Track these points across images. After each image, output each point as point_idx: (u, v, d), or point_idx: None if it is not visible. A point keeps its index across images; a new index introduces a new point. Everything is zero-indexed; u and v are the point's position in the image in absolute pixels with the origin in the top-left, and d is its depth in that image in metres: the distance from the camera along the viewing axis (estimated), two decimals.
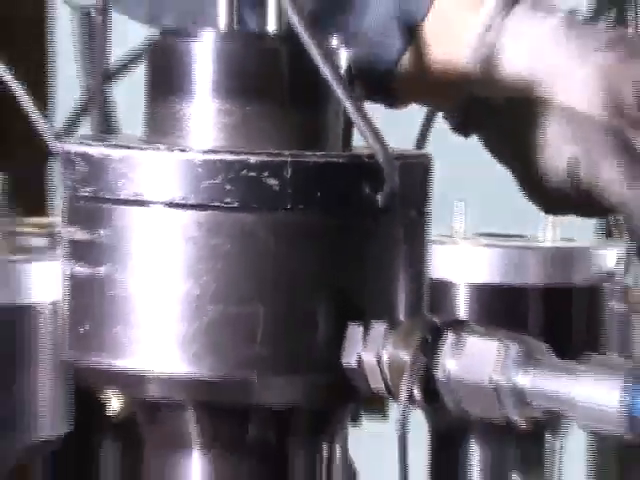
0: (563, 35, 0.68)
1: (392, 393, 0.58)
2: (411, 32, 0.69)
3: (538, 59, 0.69)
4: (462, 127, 0.72)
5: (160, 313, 0.54)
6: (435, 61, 0.70)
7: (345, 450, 0.67)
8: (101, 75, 0.79)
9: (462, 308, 0.91)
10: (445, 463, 1.07)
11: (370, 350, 0.56)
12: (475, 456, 0.97)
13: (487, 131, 0.72)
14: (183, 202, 0.54)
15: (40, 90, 1.48)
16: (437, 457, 1.05)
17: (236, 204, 0.53)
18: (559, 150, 0.68)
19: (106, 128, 0.75)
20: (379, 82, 0.70)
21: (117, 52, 0.91)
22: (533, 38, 0.69)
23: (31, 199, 1.13)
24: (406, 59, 0.70)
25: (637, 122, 0.67)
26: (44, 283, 0.70)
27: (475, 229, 0.95)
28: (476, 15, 0.69)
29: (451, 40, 0.69)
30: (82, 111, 0.83)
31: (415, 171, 0.61)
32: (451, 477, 1.06)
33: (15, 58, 0.91)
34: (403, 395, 0.56)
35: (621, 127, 0.67)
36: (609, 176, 0.66)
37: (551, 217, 0.88)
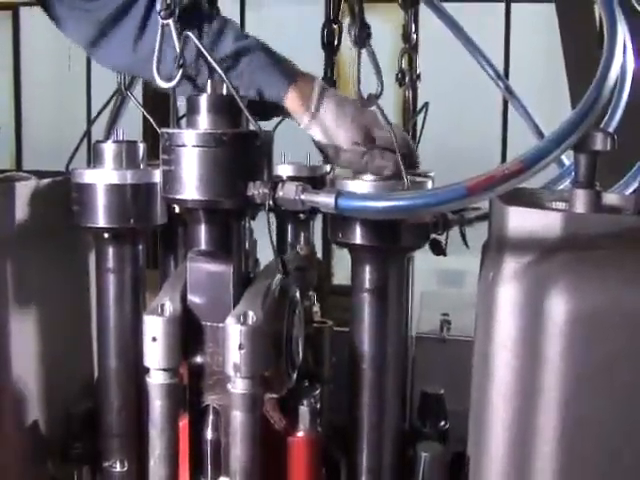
0: (337, 112, 1.70)
1: None
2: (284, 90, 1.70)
3: (329, 122, 1.70)
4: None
5: None
6: (293, 107, 1.71)
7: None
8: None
9: None
10: None
11: None
12: None
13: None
14: None
15: None
16: None
17: None
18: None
19: None
20: (275, 104, 1.71)
21: None
22: (329, 110, 1.70)
23: None
24: (285, 99, 1.70)
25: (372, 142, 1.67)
26: None
27: None
28: (310, 99, 1.69)
29: (302, 105, 1.70)
30: None
31: None
32: None
33: None
34: None
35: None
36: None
37: None
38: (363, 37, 1.61)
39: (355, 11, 1.60)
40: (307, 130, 1.72)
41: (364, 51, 1.63)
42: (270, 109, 1.73)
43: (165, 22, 1.52)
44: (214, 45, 1.69)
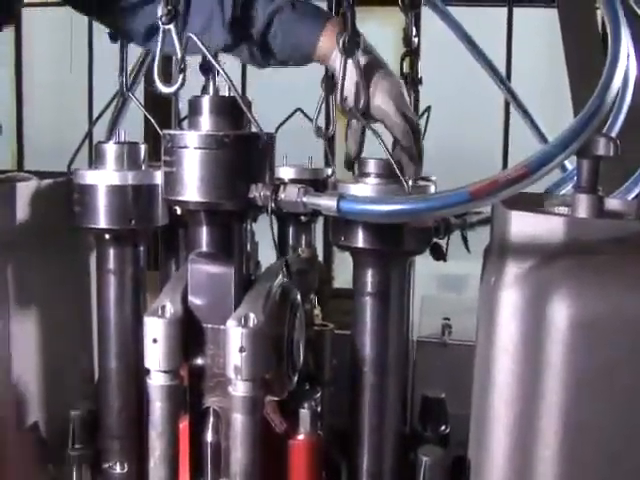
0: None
1: None
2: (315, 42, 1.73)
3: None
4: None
5: None
6: (321, 55, 1.73)
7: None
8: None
9: None
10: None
11: None
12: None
13: None
14: None
15: None
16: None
17: None
18: None
19: None
20: (306, 55, 1.75)
21: None
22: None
23: None
24: (318, 47, 1.72)
25: None
26: None
27: None
28: (334, 46, 1.67)
29: (328, 53, 1.70)
30: None
31: None
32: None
33: None
34: None
35: None
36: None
37: None
38: (352, 46, 1.60)
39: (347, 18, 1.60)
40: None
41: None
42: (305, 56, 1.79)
43: (167, 27, 1.52)
44: (247, 18, 1.76)
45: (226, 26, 1.77)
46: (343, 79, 1.63)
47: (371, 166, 1.65)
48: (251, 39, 1.78)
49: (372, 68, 1.67)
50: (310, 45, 1.74)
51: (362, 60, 1.65)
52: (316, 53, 1.74)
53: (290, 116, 2.19)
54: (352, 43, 1.61)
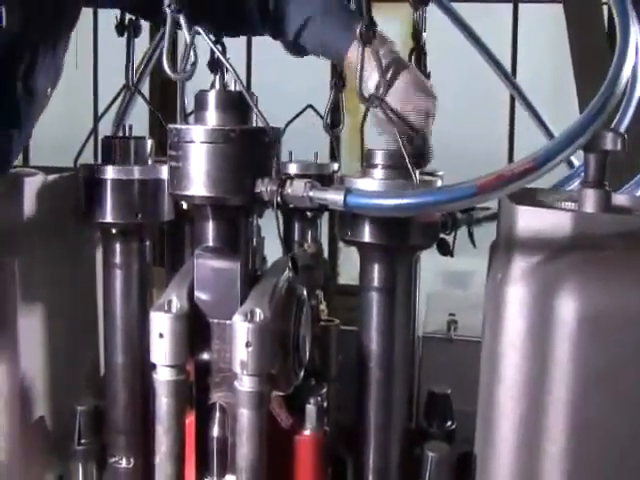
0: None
1: None
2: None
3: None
4: None
5: None
6: (349, 64, 1.74)
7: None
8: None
9: None
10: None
11: None
12: None
13: None
14: None
15: None
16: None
17: None
18: None
19: None
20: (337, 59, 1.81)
21: None
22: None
23: None
24: (346, 57, 1.74)
25: None
26: None
27: None
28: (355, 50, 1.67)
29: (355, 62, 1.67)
30: None
31: None
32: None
33: None
34: None
35: None
36: None
37: None
38: (370, 34, 1.60)
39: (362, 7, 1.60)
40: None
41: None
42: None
43: (176, 16, 1.49)
44: (277, 29, 1.86)
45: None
46: (362, 68, 1.62)
47: (378, 157, 1.64)
48: (284, 39, 1.88)
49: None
50: (339, 53, 1.77)
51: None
52: (345, 61, 1.77)
53: (300, 113, 2.19)
54: (368, 32, 1.61)
